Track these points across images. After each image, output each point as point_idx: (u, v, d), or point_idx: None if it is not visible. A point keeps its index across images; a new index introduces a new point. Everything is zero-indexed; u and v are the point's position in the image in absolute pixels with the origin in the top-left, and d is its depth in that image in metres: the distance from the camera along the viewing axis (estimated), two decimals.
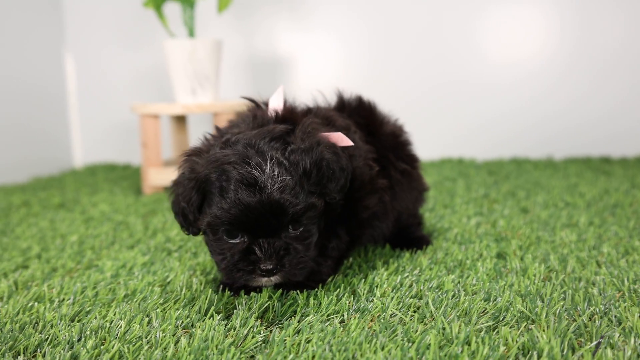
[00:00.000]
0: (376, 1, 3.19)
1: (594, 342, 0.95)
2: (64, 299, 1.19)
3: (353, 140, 1.26)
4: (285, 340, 0.98)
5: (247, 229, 1.09)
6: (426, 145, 3.20)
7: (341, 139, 1.21)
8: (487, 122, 3.20)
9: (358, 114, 1.45)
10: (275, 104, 1.25)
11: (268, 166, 1.06)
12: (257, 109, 1.29)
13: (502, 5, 3.14)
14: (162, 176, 2.44)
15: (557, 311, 1.07)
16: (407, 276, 1.28)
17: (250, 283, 1.13)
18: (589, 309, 1.09)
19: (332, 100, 1.50)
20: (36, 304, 1.16)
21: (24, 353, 0.96)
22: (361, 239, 1.42)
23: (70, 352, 0.94)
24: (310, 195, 1.11)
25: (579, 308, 1.09)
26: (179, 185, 1.15)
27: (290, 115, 1.22)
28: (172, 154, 2.82)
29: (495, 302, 1.12)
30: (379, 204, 1.35)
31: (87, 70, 3.37)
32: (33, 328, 1.05)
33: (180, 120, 2.78)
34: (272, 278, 1.11)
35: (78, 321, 1.08)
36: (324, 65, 3.27)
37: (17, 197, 2.33)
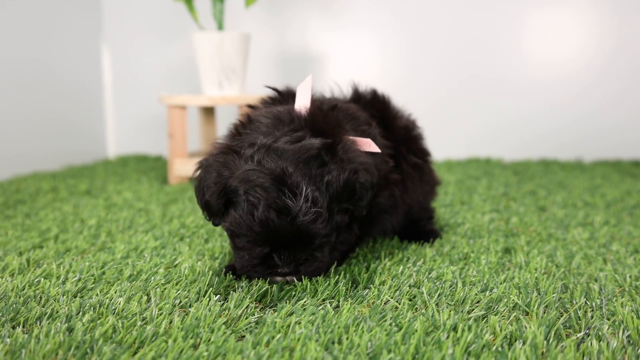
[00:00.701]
0: (411, 3, 3.18)
1: (581, 333, 0.94)
2: (70, 277, 1.23)
3: (374, 136, 1.28)
4: (275, 321, 1.00)
5: (271, 243, 1.12)
6: (455, 144, 3.20)
7: (369, 145, 1.22)
8: (518, 122, 3.17)
9: (373, 107, 1.46)
10: (303, 99, 1.23)
11: (301, 199, 1.06)
12: (285, 106, 1.26)
13: (542, 6, 3.09)
14: (187, 167, 2.49)
15: (550, 303, 1.06)
16: (409, 267, 1.29)
17: (265, 279, 1.18)
18: (586, 302, 1.08)
19: (348, 92, 1.52)
20: (42, 279, 1.20)
21: (23, 325, 1.00)
22: (371, 233, 1.46)
23: (66, 324, 0.98)
24: (338, 215, 1.14)
25: (574, 301, 1.08)
26: (204, 180, 1.16)
27: (323, 121, 1.19)
28: (200, 146, 2.87)
29: (491, 293, 1.12)
30: (389, 197, 1.36)
31: (123, 63, 3.46)
32: (36, 302, 1.09)
33: (209, 113, 2.83)
34: (287, 278, 1.17)
35: (80, 297, 1.12)
36: (356, 62, 3.28)
37: (47, 183, 2.41)
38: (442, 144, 3.07)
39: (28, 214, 1.88)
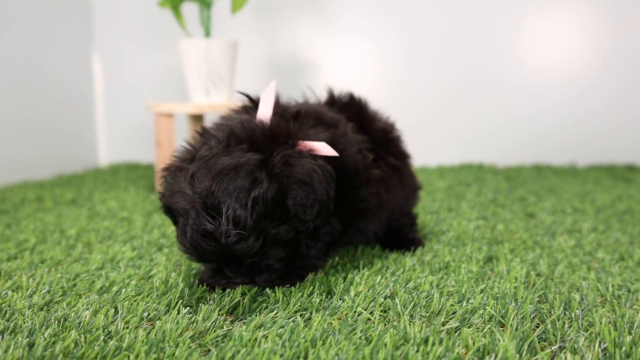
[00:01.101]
0: (403, 5, 3.16)
1: (556, 346, 0.91)
2: (39, 289, 1.20)
3: (345, 132, 1.27)
4: (242, 334, 0.97)
5: (212, 262, 1.14)
6: (448, 150, 3.17)
7: (326, 150, 1.17)
8: (512, 126, 3.15)
9: (349, 110, 1.44)
10: (265, 107, 1.21)
11: (224, 216, 1.04)
12: (245, 116, 1.22)
13: (538, 10, 3.07)
14: None
15: (528, 314, 1.03)
16: (387, 277, 1.26)
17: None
18: (565, 313, 1.05)
19: (322, 96, 1.50)
20: (10, 292, 1.17)
21: None
22: (355, 228, 1.39)
23: (27, 339, 0.95)
24: (275, 229, 1.10)
25: (553, 312, 1.05)
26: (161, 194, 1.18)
27: (272, 132, 1.14)
28: None
29: (467, 303, 1.09)
30: (375, 196, 1.34)
31: (114, 71, 3.45)
32: (0, 316, 1.06)
33: (197, 121, 2.81)
34: (250, 284, 1.18)
35: (47, 311, 1.10)
36: (350, 68, 3.26)
37: (33, 193, 2.39)
38: (435, 150, 3.05)
39: (9, 224, 1.86)
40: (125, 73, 3.46)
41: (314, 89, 1.49)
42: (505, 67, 3.13)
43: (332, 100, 1.47)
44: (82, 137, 3.35)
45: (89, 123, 3.41)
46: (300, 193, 1.09)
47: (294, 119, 1.23)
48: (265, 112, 1.20)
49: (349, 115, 1.41)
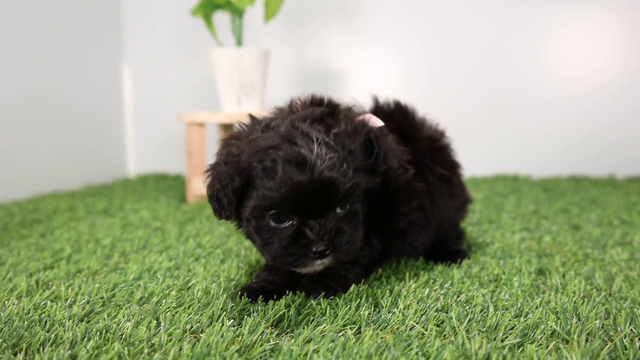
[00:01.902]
0: (429, 17, 3.12)
1: None
2: (78, 299, 1.17)
3: (386, 142, 1.22)
4: (292, 349, 0.92)
5: (298, 209, 1.04)
6: (481, 161, 3.10)
7: (374, 122, 1.19)
8: (545, 137, 3.07)
9: (392, 118, 1.39)
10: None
11: (315, 145, 1.03)
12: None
13: (569, 20, 3.01)
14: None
15: (593, 330, 0.97)
16: (436, 289, 1.21)
17: (302, 269, 1.08)
18: (632, 330, 0.98)
19: (367, 105, 1.46)
20: (49, 302, 1.14)
21: (25, 351, 0.94)
22: (397, 248, 1.35)
23: (69, 351, 0.91)
24: (357, 174, 1.06)
25: (619, 329, 0.99)
26: (216, 167, 1.11)
27: (328, 103, 1.21)
28: None
29: (526, 318, 1.03)
30: (418, 210, 1.28)
31: (144, 82, 3.44)
32: (41, 326, 1.03)
33: (228, 130, 2.78)
34: (324, 260, 1.06)
35: (87, 322, 1.06)
36: (377, 78, 3.22)
37: (65, 202, 2.37)
38: (466, 161, 2.97)
39: (43, 233, 1.84)
40: (155, 83, 3.45)
41: (357, 98, 1.44)
42: (533, 77, 3.06)
43: (377, 109, 1.42)
44: (111, 148, 3.35)
45: (118, 134, 3.41)
46: (379, 139, 1.12)
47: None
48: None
49: (392, 124, 1.36)
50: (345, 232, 1.07)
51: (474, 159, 3.07)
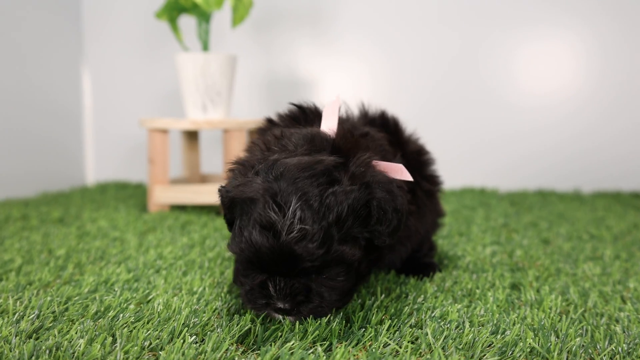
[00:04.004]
0: (400, 30, 3.10)
1: None
2: (27, 314, 1.08)
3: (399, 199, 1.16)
4: None
5: (263, 269, 0.99)
6: (447, 174, 3.08)
7: (401, 172, 1.09)
8: (513, 152, 3.07)
9: (385, 132, 1.34)
10: (330, 121, 1.12)
11: (291, 209, 0.94)
12: (318, 128, 1.13)
13: (534, 38, 3.03)
14: (168, 194, 2.36)
15: (573, 348, 0.93)
16: (409, 304, 1.16)
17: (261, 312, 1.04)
18: (610, 347, 0.95)
19: (356, 112, 1.41)
20: None
21: None
22: (379, 266, 1.36)
23: None
24: (342, 244, 0.98)
25: (598, 346, 0.95)
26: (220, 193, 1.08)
27: (345, 143, 1.08)
28: (182, 173, 2.74)
29: (503, 335, 0.99)
30: (405, 229, 1.24)
31: (105, 86, 3.34)
32: None
33: (192, 137, 2.71)
34: (289, 317, 1.02)
35: (36, 339, 0.98)
36: (344, 87, 3.18)
37: (18, 211, 2.26)
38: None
39: None
40: (116, 88, 3.34)
41: (348, 103, 1.40)
42: (499, 91, 3.06)
43: (366, 120, 1.37)
44: (69, 155, 3.23)
45: (77, 140, 3.29)
46: (386, 198, 1.00)
47: (363, 139, 1.14)
48: (331, 126, 1.11)
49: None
50: (313, 300, 1.01)
51: (441, 171, 3.05)
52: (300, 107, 1.26)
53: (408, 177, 1.09)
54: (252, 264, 1.00)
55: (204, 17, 2.39)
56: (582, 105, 3.00)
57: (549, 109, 3.03)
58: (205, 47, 2.43)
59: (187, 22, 2.96)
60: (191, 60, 2.35)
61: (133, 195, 2.85)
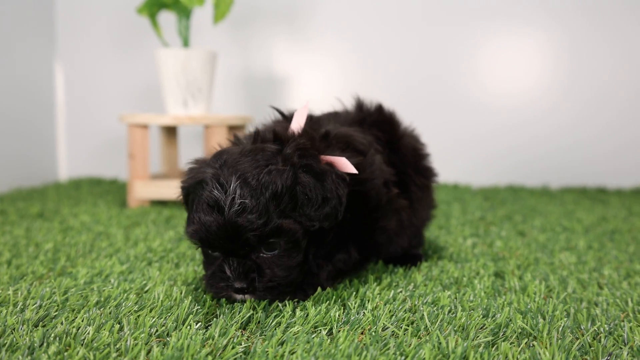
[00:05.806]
0: (373, 29, 3.16)
1: (604, 359, 0.87)
2: (29, 304, 1.10)
3: (372, 162, 1.24)
4: (267, 351, 0.90)
5: (215, 247, 1.08)
6: None
7: (345, 166, 1.15)
8: (483, 148, 3.15)
9: (378, 127, 1.40)
10: (297, 122, 1.21)
11: (232, 187, 1.04)
12: (278, 123, 1.27)
13: (499, 34, 3.11)
14: (148, 189, 2.36)
15: (560, 328, 0.99)
16: (401, 291, 1.21)
17: (226, 298, 1.12)
18: (593, 327, 1.01)
19: (351, 107, 1.46)
20: None
21: None
22: (377, 256, 1.43)
23: (30, 357, 0.85)
24: (281, 218, 1.06)
25: (582, 327, 1.02)
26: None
27: (287, 135, 1.16)
28: (161, 168, 2.74)
29: (494, 318, 1.05)
30: (397, 223, 1.32)
31: (78, 82, 3.31)
32: None
33: (171, 133, 2.72)
34: (246, 296, 1.10)
35: (42, 327, 1.00)
36: (319, 85, 3.22)
37: None
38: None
39: None
40: (90, 84, 3.32)
41: (342, 99, 1.46)
42: (466, 88, 3.14)
43: (362, 115, 1.42)
44: (41, 151, 3.19)
45: (49, 136, 3.25)
46: (310, 183, 1.09)
47: (323, 139, 1.21)
48: (296, 128, 1.19)
49: (377, 133, 1.37)
50: (264, 275, 1.09)
51: None
52: (279, 111, 1.34)
53: (351, 168, 1.15)
54: (204, 243, 1.08)
55: (185, 13, 2.40)
56: (552, 106, 3.10)
57: (519, 109, 3.12)
58: (186, 43, 2.44)
59: (166, 18, 2.96)
60: (172, 56, 2.37)
61: (109, 190, 2.84)
